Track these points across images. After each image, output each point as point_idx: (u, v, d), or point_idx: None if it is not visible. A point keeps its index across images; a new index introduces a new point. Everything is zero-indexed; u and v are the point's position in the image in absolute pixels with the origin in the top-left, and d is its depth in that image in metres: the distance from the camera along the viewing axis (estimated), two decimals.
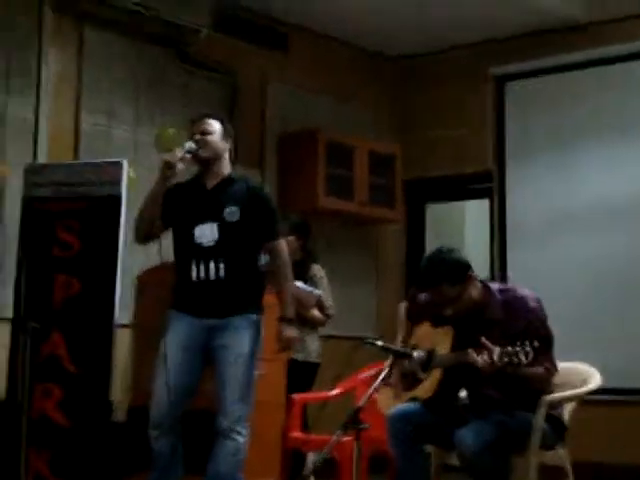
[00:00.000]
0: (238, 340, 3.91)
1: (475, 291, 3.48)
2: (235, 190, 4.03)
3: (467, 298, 3.46)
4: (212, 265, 3.92)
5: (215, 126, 4.07)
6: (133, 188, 5.17)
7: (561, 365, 3.49)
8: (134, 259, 5.57)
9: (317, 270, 5.38)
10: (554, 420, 3.51)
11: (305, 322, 5.25)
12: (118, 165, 4.91)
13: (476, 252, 7.16)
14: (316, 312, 5.29)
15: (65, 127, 5.60)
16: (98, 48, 5.74)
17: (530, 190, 6.96)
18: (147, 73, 5.98)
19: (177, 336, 3.94)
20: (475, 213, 8.02)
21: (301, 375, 5.15)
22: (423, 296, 3.77)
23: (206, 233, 3.95)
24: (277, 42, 6.68)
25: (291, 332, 4.03)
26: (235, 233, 3.96)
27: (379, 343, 3.59)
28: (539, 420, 3.39)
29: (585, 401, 3.69)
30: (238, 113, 6.47)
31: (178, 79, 6.15)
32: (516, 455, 3.39)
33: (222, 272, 3.91)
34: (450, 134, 7.26)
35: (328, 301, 5.36)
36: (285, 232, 5.33)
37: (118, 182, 4.86)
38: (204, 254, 3.93)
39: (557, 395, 3.50)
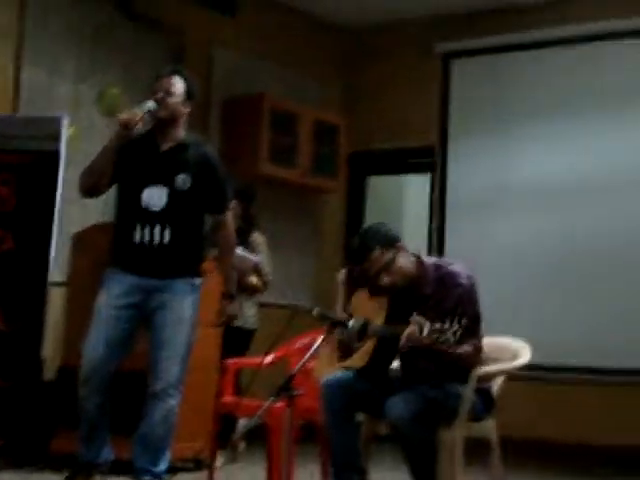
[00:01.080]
0: (178, 303, 3.89)
1: (406, 262, 3.51)
2: (189, 156, 3.95)
3: (399, 267, 3.49)
4: (157, 230, 3.87)
5: (180, 87, 3.96)
6: (73, 145, 5.09)
7: (492, 340, 3.55)
8: (71, 217, 5.51)
9: (257, 237, 5.37)
10: (483, 393, 3.58)
11: (243, 288, 5.26)
12: (58, 120, 4.83)
13: (415, 226, 7.24)
14: (254, 278, 5.29)
15: (5, 81, 5.46)
16: (40, 2, 5.60)
17: (471, 166, 7.04)
18: (90, 29, 5.87)
19: (114, 294, 3.89)
20: (415, 187, 8.08)
21: (237, 341, 5.16)
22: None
23: (154, 197, 3.88)
24: (226, 6, 6.60)
25: (233, 309, 4.05)
26: (184, 201, 3.91)
27: (316, 311, 3.61)
28: (468, 392, 3.44)
29: (514, 376, 3.75)
30: None
31: (123, 36, 6.05)
32: (444, 426, 3.43)
33: (167, 238, 3.88)
34: (395, 108, 7.28)
35: (267, 268, 5.36)
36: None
37: (57, 138, 4.79)
38: (150, 218, 3.88)
39: (487, 369, 3.56)
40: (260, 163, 6.49)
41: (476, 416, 3.54)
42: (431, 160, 7.25)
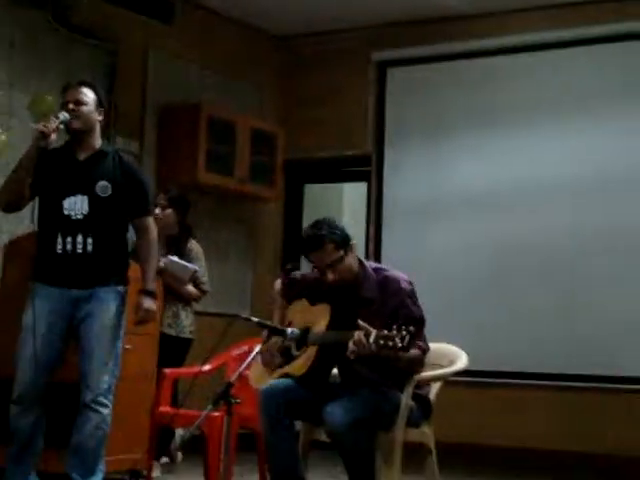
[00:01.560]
0: (103, 311, 3.88)
1: (353, 263, 3.53)
2: (107, 164, 3.96)
3: (347, 266, 3.50)
4: (80, 239, 3.86)
5: (89, 96, 3.97)
6: (4, 153, 5.00)
7: (430, 345, 3.57)
8: (1, 227, 5.40)
9: (194, 245, 5.34)
10: (421, 399, 3.60)
11: (179, 297, 5.22)
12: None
13: (353, 234, 7.25)
14: (191, 287, 5.25)
15: None
16: None
17: (406, 175, 7.11)
18: (23, 35, 5.77)
19: (41, 308, 3.85)
20: (352, 196, 8.12)
21: (173, 350, 5.11)
22: (298, 273, 3.80)
23: (76, 206, 3.88)
24: (162, 12, 6.55)
25: (150, 304, 4.00)
26: (106, 208, 3.91)
27: (254, 319, 3.60)
28: (406, 398, 3.47)
29: (451, 382, 3.79)
30: (119, 83, 6.34)
31: (57, 43, 5.96)
32: (383, 432, 3.45)
33: (90, 246, 3.87)
34: (332, 116, 7.31)
35: (204, 277, 5.33)
36: (164, 205, 5.29)
37: None
38: (72, 227, 3.87)
39: (425, 374, 3.59)
40: (197, 171, 6.45)
41: (414, 422, 3.56)
42: (367, 169, 7.30)
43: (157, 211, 5.29)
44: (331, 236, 3.48)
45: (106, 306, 3.88)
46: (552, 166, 6.58)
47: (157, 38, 6.58)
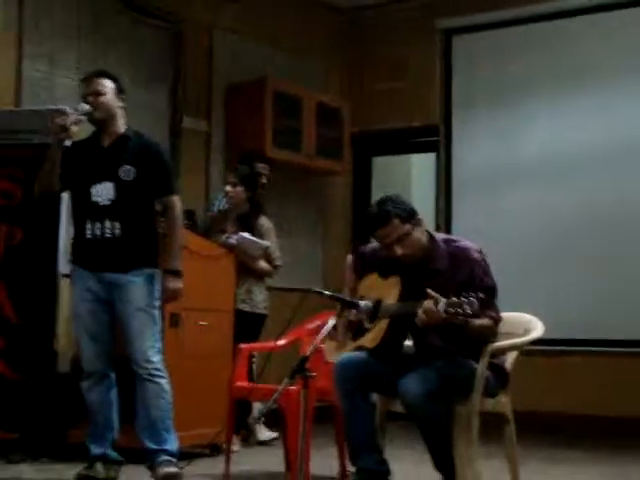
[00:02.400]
0: (134, 295, 3.97)
1: (421, 236, 3.51)
2: (131, 148, 4.05)
3: (415, 239, 3.48)
4: (108, 224, 3.97)
5: (107, 85, 4.06)
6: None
7: (504, 315, 3.54)
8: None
9: (264, 221, 5.37)
10: (497, 368, 3.57)
11: (252, 273, 5.26)
12: (62, 112, 4.81)
13: (422, 205, 7.20)
14: (263, 263, 5.29)
15: (7, 75, 5.46)
16: None
17: (475, 144, 7.02)
18: (89, 19, 5.85)
19: (80, 290, 4.04)
20: (421, 166, 8.06)
21: (248, 326, 5.17)
22: (369, 247, 3.79)
23: (103, 192, 3.98)
24: None
25: (175, 284, 4.06)
26: (131, 192, 4.00)
27: (327, 292, 3.60)
28: (482, 368, 3.44)
29: (526, 351, 3.75)
30: (184, 62, 6.39)
31: (122, 25, 6.04)
32: (459, 403, 3.44)
33: (117, 231, 3.97)
34: (398, 87, 7.26)
35: (275, 252, 5.36)
36: (234, 183, 5.33)
37: None
38: (100, 213, 3.98)
39: (500, 344, 3.56)
40: (265, 147, 6.48)
41: (490, 391, 3.54)
42: (435, 139, 7.23)
43: (228, 188, 5.34)
44: (396, 211, 3.46)
45: (137, 289, 3.98)
46: (629, 127, 6.42)
47: (221, 16, 6.60)
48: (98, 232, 3.97)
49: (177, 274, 4.07)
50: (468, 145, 7.06)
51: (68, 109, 4.03)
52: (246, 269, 5.21)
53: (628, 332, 6.31)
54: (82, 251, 4.05)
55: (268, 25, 6.87)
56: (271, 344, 4.42)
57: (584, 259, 6.52)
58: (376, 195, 7.54)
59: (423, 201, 7.40)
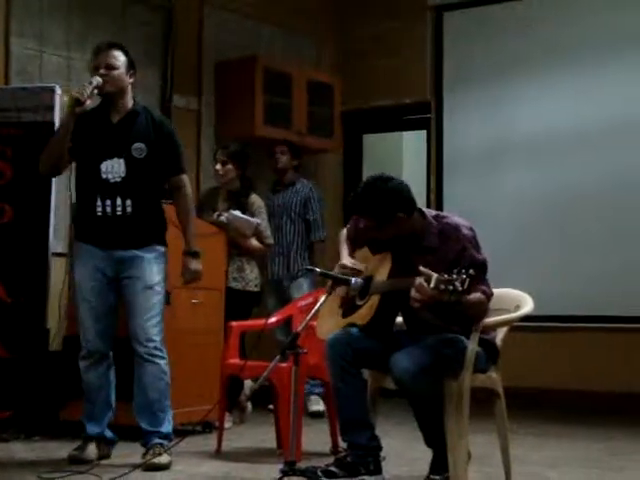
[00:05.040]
0: (146, 271, 3.95)
1: (415, 221, 3.49)
2: (140, 125, 4.00)
3: (408, 225, 3.48)
4: (119, 201, 3.93)
5: (120, 59, 3.99)
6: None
7: (495, 291, 3.54)
8: (70, 186, 5.48)
9: (255, 199, 5.37)
10: (488, 344, 3.58)
11: (243, 251, 5.26)
12: (51, 90, 4.80)
13: (413, 182, 7.20)
14: (254, 241, 5.29)
15: None
16: None
17: (467, 121, 7.01)
18: None
19: (85, 267, 3.99)
20: (413, 144, 8.05)
21: (239, 304, 5.17)
22: (362, 222, 3.78)
23: (113, 169, 3.94)
24: None
25: (195, 265, 4.07)
26: (142, 169, 3.96)
27: (317, 270, 3.61)
28: (472, 344, 3.46)
29: (516, 327, 3.77)
30: (175, 40, 6.35)
31: (112, 3, 6.00)
32: (450, 378, 3.45)
33: (129, 208, 3.93)
34: (389, 64, 7.24)
35: (267, 230, 5.36)
36: (223, 161, 5.32)
37: (52, 108, 4.77)
38: (110, 190, 3.93)
39: (491, 319, 3.56)
40: (255, 125, 6.46)
41: (481, 367, 3.55)
42: (427, 116, 7.22)
43: (217, 167, 5.33)
44: (398, 209, 3.39)
45: (148, 266, 3.96)
46: (621, 101, 6.41)
47: None
48: (109, 209, 3.92)
49: (196, 255, 4.06)
50: (459, 122, 7.05)
51: (86, 83, 3.89)
52: (237, 247, 5.21)
53: (620, 308, 6.34)
54: (91, 228, 3.98)
55: (258, 2, 6.82)
56: (262, 321, 4.44)
57: (576, 236, 6.54)
58: (367, 172, 7.52)
59: (414, 178, 7.38)
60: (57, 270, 4.95)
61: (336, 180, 7.56)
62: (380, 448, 3.58)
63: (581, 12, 6.63)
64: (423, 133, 7.37)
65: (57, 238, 5.01)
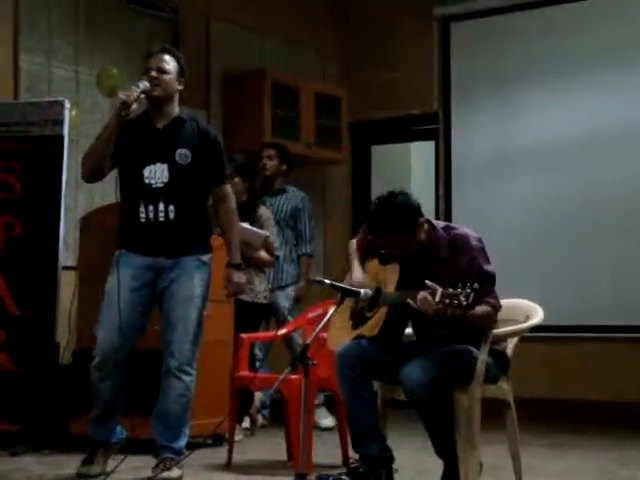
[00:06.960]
0: (187, 280, 3.88)
1: (423, 234, 3.49)
2: (186, 132, 3.95)
3: (417, 243, 3.48)
4: (161, 206, 3.86)
5: (172, 64, 3.94)
6: (74, 128, 5.09)
7: (504, 301, 3.54)
8: (78, 200, 5.52)
9: (264, 211, 5.37)
10: (498, 355, 3.58)
11: (252, 263, 5.26)
12: (60, 104, 4.82)
13: (421, 193, 7.21)
14: (263, 253, 5.28)
15: (4, 67, 5.45)
16: None
17: (475, 131, 7.02)
18: (86, 10, 5.84)
19: (125, 276, 3.87)
20: (421, 154, 8.06)
21: (249, 316, 5.17)
22: (371, 236, 3.78)
23: (156, 174, 3.87)
24: None
25: (240, 277, 4.02)
26: (186, 176, 3.90)
27: (327, 281, 3.60)
28: (482, 355, 3.45)
29: (526, 338, 3.76)
30: (182, 52, 6.32)
31: (119, 16, 6.02)
32: (461, 389, 3.44)
33: (172, 214, 3.86)
34: (396, 76, 7.24)
35: (275, 243, 5.36)
36: (230, 174, 5.32)
37: (61, 122, 4.79)
38: (153, 195, 3.87)
39: (501, 330, 3.56)
40: (264, 138, 6.46)
41: (492, 378, 3.55)
42: (435, 127, 7.22)
43: None
44: (404, 228, 3.40)
45: (190, 275, 3.88)
46: (625, 110, 6.41)
47: (217, 6, 6.58)
48: (152, 215, 3.84)
49: (239, 267, 4.01)
50: (467, 132, 7.05)
51: (133, 86, 3.83)
52: (246, 259, 5.20)
53: (631, 318, 6.32)
54: (134, 235, 3.90)
55: (263, 14, 6.85)
56: (272, 333, 4.44)
57: (583, 244, 6.53)
58: (375, 184, 7.54)
59: (423, 189, 7.42)
60: (66, 284, 4.96)
61: (345, 191, 7.56)
62: (392, 459, 3.57)
63: (588, 23, 6.63)
64: (431, 144, 7.38)
65: (65, 251, 5.02)
